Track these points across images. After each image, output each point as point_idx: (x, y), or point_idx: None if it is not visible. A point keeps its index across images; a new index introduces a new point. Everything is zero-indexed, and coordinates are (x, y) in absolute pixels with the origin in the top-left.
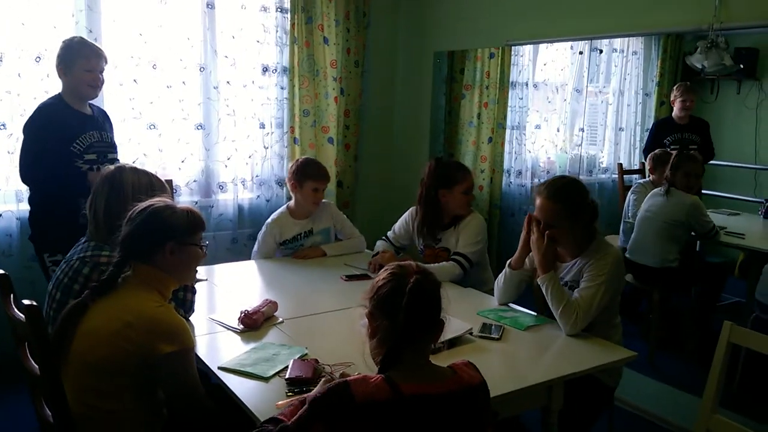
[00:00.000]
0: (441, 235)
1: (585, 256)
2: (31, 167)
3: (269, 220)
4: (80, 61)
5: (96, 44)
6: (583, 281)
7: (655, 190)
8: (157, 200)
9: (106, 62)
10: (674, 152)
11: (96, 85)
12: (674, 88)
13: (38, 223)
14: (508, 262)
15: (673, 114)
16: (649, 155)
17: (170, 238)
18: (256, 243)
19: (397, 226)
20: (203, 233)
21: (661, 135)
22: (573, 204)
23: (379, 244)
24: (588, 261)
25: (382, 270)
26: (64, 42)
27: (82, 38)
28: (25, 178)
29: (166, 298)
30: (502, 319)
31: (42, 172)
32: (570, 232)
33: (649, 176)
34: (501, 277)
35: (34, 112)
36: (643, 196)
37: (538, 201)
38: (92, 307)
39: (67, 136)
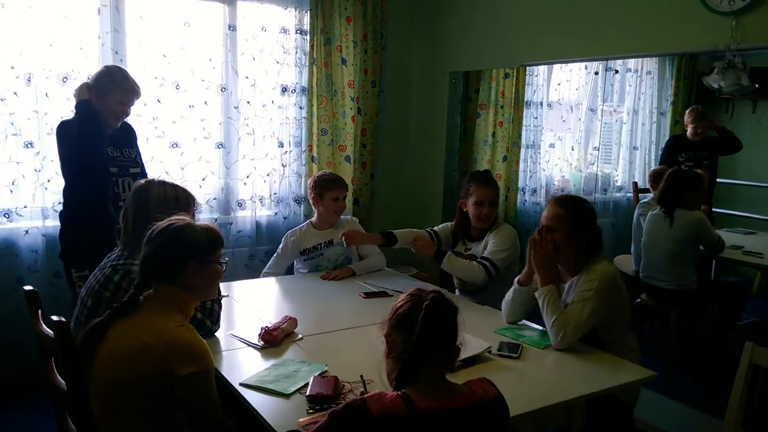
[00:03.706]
0: (471, 246)
1: (578, 276)
2: (70, 167)
3: (290, 231)
4: (117, 92)
5: (135, 80)
6: (573, 298)
7: (654, 211)
8: (176, 218)
9: (138, 98)
10: (669, 170)
11: (121, 117)
12: (687, 111)
13: (68, 238)
14: (516, 279)
15: (687, 133)
16: (649, 172)
17: (192, 257)
18: (274, 257)
19: (439, 226)
20: (222, 250)
21: (675, 151)
22: (575, 212)
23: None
24: (579, 279)
25: (402, 294)
26: (107, 67)
27: (125, 71)
28: (66, 180)
29: (188, 317)
30: (520, 338)
31: (78, 169)
32: (569, 244)
33: (650, 194)
34: (509, 294)
35: (62, 125)
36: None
37: (546, 210)
38: (113, 327)
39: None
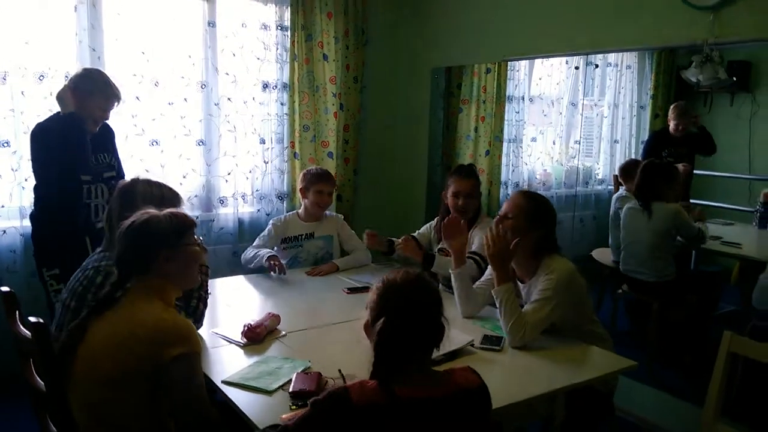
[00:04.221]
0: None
1: (536, 276)
2: (43, 172)
3: (276, 217)
4: (98, 98)
5: (115, 84)
6: (532, 298)
7: (632, 205)
8: (140, 213)
9: (119, 103)
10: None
11: (100, 122)
12: (671, 107)
13: (38, 237)
14: (449, 267)
15: (670, 128)
16: (620, 166)
17: (161, 246)
18: (258, 237)
19: (421, 229)
20: (194, 230)
21: (657, 147)
22: (536, 207)
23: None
24: (537, 279)
25: (377, 281)
26: (86, 71)
27: (106, 76)
28: (38, 183)
29: (170, 305)
30: (496, 329)
31: (52, 176)
32: (524, 239)
33: (623, 187)
34: (454, 287)
35: (41, 130)
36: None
37: (508, 199)
38: (94, 324)
39: (71, 154)
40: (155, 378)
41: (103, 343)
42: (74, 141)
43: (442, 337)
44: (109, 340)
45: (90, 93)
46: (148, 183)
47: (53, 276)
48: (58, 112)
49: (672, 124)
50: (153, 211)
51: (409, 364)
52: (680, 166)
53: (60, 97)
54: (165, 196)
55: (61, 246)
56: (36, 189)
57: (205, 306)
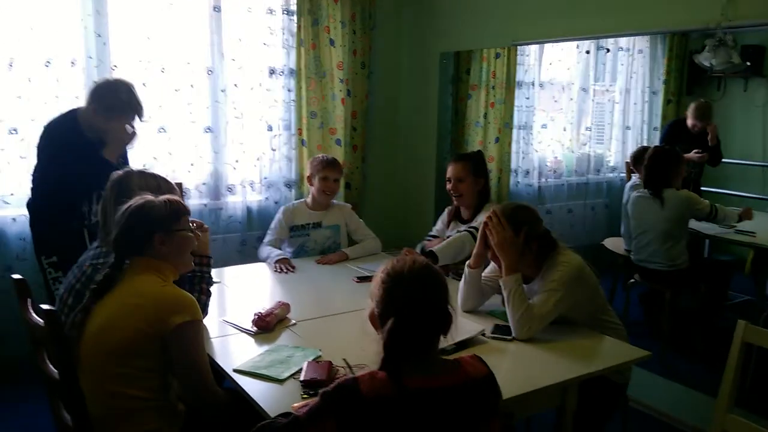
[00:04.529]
0: (462, 228)
1: (542, 274)
2: (45, 170)
3: (284, 206)
4: (125, 119)
5: (140, 100)
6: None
7: (640, 193)
8: (137, 198)
9: (141, 120)
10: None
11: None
12: (692, 105)
13: (36, 225)
14: (467, 263)
15: (688, 123)
16: (630, 155)
17: (156, 230)
18: (269, 230)
19: (437, 225)
20: (188, 216)
21: (673, 141)
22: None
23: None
24: (544, 275)
25: (382, 271)
26: (110, 84)
27: (135, 95)
28: (38, 175)
29: (167, 281)
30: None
31: (53, 176)
32: (525, 250)
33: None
34: (462, 280)
35: (51, 133)
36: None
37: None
38: (96, 305)
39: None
40: (159, 346)
41: (110, 317)
42: (85, 159)
43: (450, 325)
44: (116, 312)
45: (114, 114)
46: (143, 175)
47: (51, 264)
48: (75, 109)
49: (690, 122)
50: (149, 196)
51: (418, 354)
52: (695, 154)
53: (93, 126)
54: (161, 186)
55: (58, 234)
56: (35, 180)
57: (208, 297)
